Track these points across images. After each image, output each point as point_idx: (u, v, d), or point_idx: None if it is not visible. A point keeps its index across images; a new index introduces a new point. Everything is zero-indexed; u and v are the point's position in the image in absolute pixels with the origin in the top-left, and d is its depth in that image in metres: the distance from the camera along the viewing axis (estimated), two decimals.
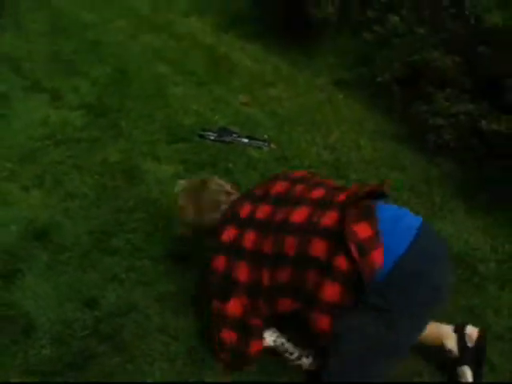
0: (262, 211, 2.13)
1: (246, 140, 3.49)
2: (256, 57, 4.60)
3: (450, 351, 2.22)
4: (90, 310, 2.36)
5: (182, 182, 2.46)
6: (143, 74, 4.21)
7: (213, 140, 3.46)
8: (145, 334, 2.29)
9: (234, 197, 2.31)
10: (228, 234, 2.14)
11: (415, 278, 1.94)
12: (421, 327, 2.04)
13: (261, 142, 3.48)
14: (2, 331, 2.26)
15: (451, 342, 2.22)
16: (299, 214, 2.05)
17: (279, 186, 2.20)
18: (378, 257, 1.90)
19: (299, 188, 2.16)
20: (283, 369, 2.21)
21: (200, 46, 4.75)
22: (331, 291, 1.94)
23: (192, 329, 2.32)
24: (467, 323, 2.26)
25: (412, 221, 2.05)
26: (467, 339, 2.22)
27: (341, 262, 1.92)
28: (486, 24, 3.38)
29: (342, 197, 2.07)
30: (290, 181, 2.22)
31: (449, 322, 2.43)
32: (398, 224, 2.01)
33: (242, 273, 2.10)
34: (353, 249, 1.90)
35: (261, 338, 2.18)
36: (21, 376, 2.12)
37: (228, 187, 2.35)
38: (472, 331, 2.24)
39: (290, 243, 2.02)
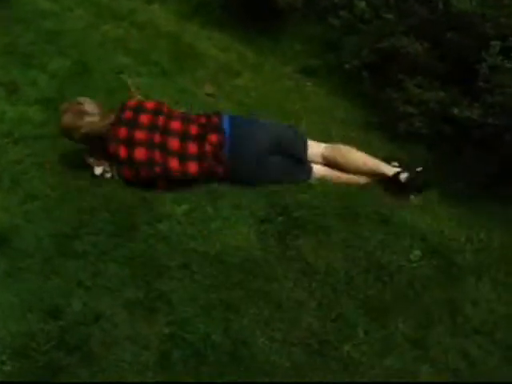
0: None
1: None
2: (221, 45, 4.44)
3: None
4: (54, 319, 2.21)
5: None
6: (104, 66, 4.02)
7: None
8: (113, 344, 2.15)
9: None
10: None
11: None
12: None
13: None
14: None
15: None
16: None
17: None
18: None
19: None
20: None
21: (163, 34, 4.56)
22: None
23: (162, 336, 2.19)
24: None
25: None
26: None
27: None
28: (455, 9, 3.28)
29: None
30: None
31: (427, 316, 2.38)
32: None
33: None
34: None
35: None
36: None
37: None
38: None
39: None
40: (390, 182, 3.01)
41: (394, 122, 3.45)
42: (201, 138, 2.90)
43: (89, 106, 2.96)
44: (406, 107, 3.40)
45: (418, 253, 2.68)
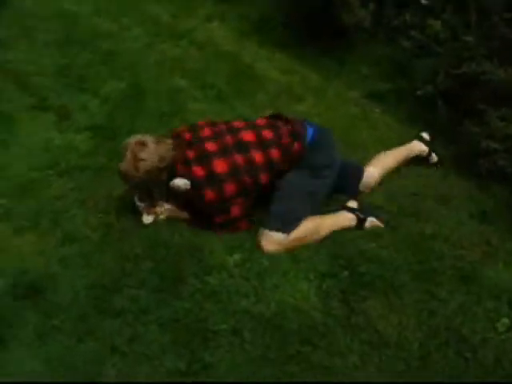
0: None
1: None
2: (282, 66, 4.05)
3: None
4: None
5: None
6: (159, 88, 3.71)
7: None
8: None
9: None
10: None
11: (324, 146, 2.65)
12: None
13: None
14: None
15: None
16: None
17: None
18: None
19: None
20: None
21: (222, 54, 4.23)
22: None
23: None
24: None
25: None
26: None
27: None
28: None
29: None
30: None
31: None
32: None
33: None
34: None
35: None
36: None
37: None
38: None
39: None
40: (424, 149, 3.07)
41: (473, 159, 2.98)
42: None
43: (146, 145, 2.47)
44: (488, 142, 2.92)
45: (505, 321, 2.22)
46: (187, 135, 2.59)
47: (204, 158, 2.47)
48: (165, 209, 2.58)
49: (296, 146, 2.56)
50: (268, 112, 3.39)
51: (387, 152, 2.99)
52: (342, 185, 2.72)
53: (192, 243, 2.43)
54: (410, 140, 3.12)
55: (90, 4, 5.10)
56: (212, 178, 2.44)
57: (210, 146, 2.51)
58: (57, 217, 2.57)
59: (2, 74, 3.83)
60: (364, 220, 2.59)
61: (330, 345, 2.05)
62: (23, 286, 2.23)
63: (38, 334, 2.06)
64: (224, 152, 2.50)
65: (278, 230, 2.43)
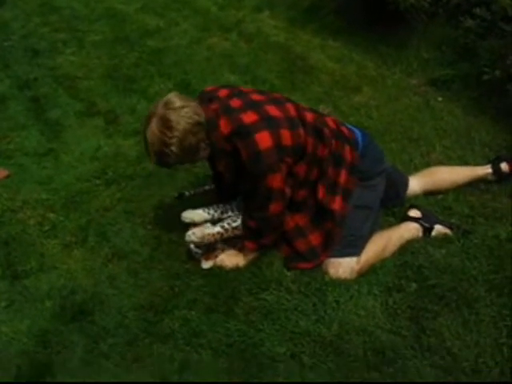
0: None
1: None
2: (337, 55, 3.79)
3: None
4: None
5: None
6: (208, 85, 3.51)
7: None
8: None
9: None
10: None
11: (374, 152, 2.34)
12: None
13: None
14: None
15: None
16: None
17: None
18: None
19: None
20: None
21: (273, 46, 4.01)
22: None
23: None
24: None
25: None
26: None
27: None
28: None
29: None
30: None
31: None
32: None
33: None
34: None
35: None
36: None
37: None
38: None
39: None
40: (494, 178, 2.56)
41: None
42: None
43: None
44: None
45: None
46: (223, 92, 2.16)
47: (254, 104, 2.08)
48: (225, 253, 2.27)
49: (347, 151, 2.23)
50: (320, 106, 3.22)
51: (445, 168, 2.63)
52: (388, 195, 2.37)
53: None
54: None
55: (138, 1, 4.98)
56: (267, 120, 2.02)
57: (256, 96, 2.14)
58: (105, 230, 2.43)
59: (52, 80, 3.75)
60: (430, 229, 2.32)
61: (398, 371, 1.83)
62: (71, 308, 2.10)
63: (85, 361, 1.92)
64: (274, 101, 2.14)
65: (346, 255, 2.16)
